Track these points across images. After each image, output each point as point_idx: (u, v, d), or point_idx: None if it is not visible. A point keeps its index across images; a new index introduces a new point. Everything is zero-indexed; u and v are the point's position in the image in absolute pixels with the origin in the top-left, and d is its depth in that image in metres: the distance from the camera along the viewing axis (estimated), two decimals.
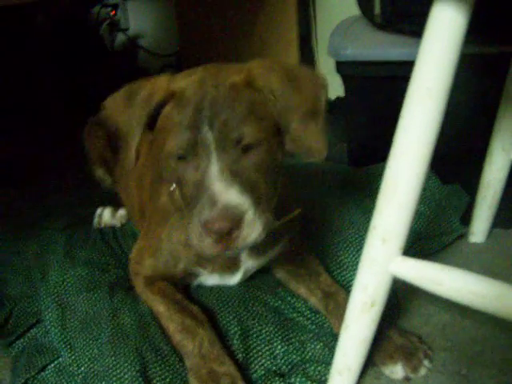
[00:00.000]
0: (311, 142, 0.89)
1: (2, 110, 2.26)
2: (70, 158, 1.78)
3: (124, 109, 0.93)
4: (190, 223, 0.85)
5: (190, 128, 0.83)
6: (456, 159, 1.45)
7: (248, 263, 1.09)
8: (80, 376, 0.99)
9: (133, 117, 0.91)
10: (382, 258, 0.80)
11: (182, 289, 1.15)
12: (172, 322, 1.03)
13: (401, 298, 1.14)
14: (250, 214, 0.82)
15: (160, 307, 1.07)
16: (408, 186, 0.76)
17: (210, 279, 1.14)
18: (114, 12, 2.83)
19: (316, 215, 1.37)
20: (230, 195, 0.80)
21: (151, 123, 0.91)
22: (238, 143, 0.83)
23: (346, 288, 1.12)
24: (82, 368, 1.00)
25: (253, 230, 0.82)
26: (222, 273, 1.11)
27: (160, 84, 0.91)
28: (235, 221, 0.80)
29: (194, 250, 0.88)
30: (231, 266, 1.09)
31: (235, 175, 0.82)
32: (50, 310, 1.13)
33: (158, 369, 0.97)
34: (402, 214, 0.77)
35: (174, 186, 1.03)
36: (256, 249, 1.06)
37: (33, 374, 1.01)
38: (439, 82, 0.71)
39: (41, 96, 2.52)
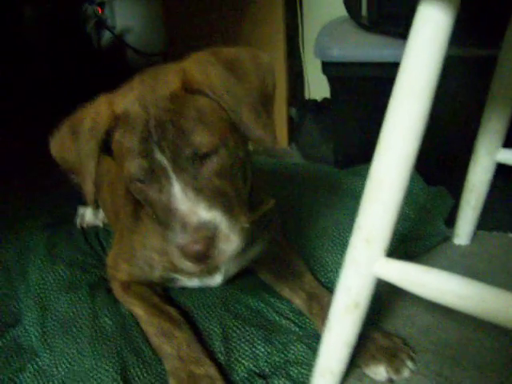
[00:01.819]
0: (262, 131, 0.82)
1: None
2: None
3: (71, 145, 0.88)
4: (168, 243, 0.82)
5: (142, 154, 0.80)
6: (441, 161, 1.45)
7: (227, 265, 1.08)
8: (59, 378, 0.97)
9: (82, 151, 0.86)
10: (366, 259, 0.79)
11: (162, 290, 1.13)
12: (150, 326, 1.02)
13: (384, 300, 1.14)
14: (223, 228, 0.79)
15: (139, 311, 1.06)
16: (393, 185, 0.75)
17: (189, 283, 1.12)
18: (100, 10, 2.80)
19: (301, 215, 1.36)
20: (198, 214, 0.78)
21: (107, 148, 0.87)
22: (194, 157, 0.80)
23: (330, 289, 1.11)
24: (61, 370, 0.98)
25: (230, 242, 0.80)
26: (201, 277, 1.10)
27: (102, 110, 0.85)
28: (210, 240, 0.78)
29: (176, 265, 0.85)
30: (210, 269, 1.07)
31: (200, 190, 0.79)
32: (29, 310, 1.11)
33: (138, 371, 0.96)
34: (387, 214, 0.76)
35: None
36: None
37: (9, 374, 0.99)
38: (424, 82, 0.71)
39: (27, 93, 2.49)
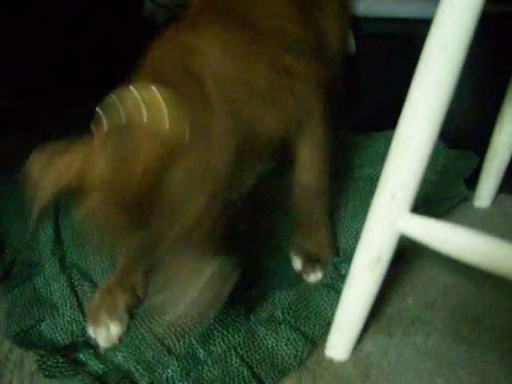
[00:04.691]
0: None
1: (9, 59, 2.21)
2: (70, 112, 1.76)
3: (39, 174, 0.73)
4: None
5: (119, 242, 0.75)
6: (465, 123, 1.43)
7: None
8: (77, 331, 0.99)
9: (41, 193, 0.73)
10: (390, 214, 0.79)
11: None
12: None
13: (402, 260, 1.14)
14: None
15: None
16: (420, 141, 0.74)
17: None
18: None
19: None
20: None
21: None
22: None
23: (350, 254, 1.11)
24: (79, 324, 1.00)
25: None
26: None
27: (72, 167, 0.69)
28: None
29: None
30: None
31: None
32: (48, 261, 1.12)
33: None
34: (413, 169, 0.76)
35: None
36: None
37: (29, 324, 1.00)
38: (458, 39, 0.68)
39: (45, 45, 2.46)
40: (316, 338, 0.97)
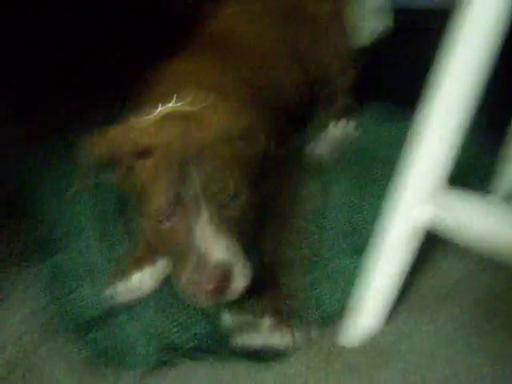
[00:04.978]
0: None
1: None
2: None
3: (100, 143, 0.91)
4: (179, 278, 0.86)
5: (174, 185, 0.84)
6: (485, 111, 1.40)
7: None
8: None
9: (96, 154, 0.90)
10: (409, 201, 0.80)
11: None
12: None
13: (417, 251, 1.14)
14: (238, 267, 0.84)
15: None
16: (442, 127, 0.74)
17: None
18: None
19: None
20: (218, 254, 0.82)
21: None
22: (222, 197, 0.86)
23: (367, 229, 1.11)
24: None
25: (240, 282, 0.85)
26: None
27: (125, 137, 0.89)
28: (225, 279, 0.83)
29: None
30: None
31: (221, 229, 0.84)
32: (86, 231, 1.15)
33: None
34: (436, 154, 0.76)
35: None
36: None
37: (67, 291, 1.03)
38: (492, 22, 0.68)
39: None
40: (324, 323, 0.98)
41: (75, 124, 1.70)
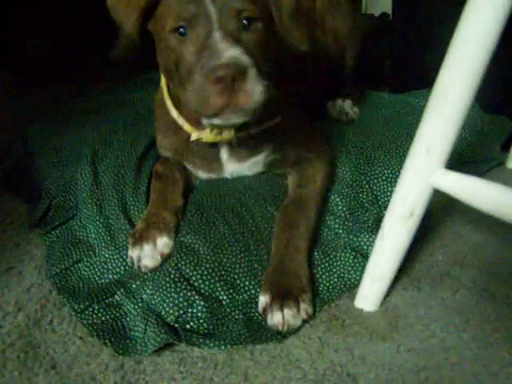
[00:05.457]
0: (297, 33, 1.00)
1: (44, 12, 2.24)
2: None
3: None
4: (189, 87, 0.88)
5: (192, 1, 0.89)
6: (500, 90, 1.40)
7: (229, 167, 1.16)
8: (113, 272, 1.01)
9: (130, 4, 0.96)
10: (425, 168, 0.81)
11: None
12: (156, 182, 1.16)
13: (434, 217, 1.16)
14: (252, 71, 0.85)
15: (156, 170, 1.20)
16: (458, 97, 0.75)
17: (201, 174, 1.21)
18: None
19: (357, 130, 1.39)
20: (233, 51, 0.84)
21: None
22: (239, 15, 0.90)
23: (385, 201, 1.14)
24: (115, 266, 1.02)
25: (255, 87, 0.85)
26: (207, 173, 1.19)
27: None
28: (240, 69, 0.83)
29: (195, 111, 0.90)
30: (213, 168, 1.17)
31: (237, 41, 0.87)
32: (85, 205, 1.14)
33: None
34: (450, 125, 0.77)
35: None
36: (236, 153, 1.14)
37: (67, 264, 1.03)
38: None
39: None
40: (328, 300, 0.98)
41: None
